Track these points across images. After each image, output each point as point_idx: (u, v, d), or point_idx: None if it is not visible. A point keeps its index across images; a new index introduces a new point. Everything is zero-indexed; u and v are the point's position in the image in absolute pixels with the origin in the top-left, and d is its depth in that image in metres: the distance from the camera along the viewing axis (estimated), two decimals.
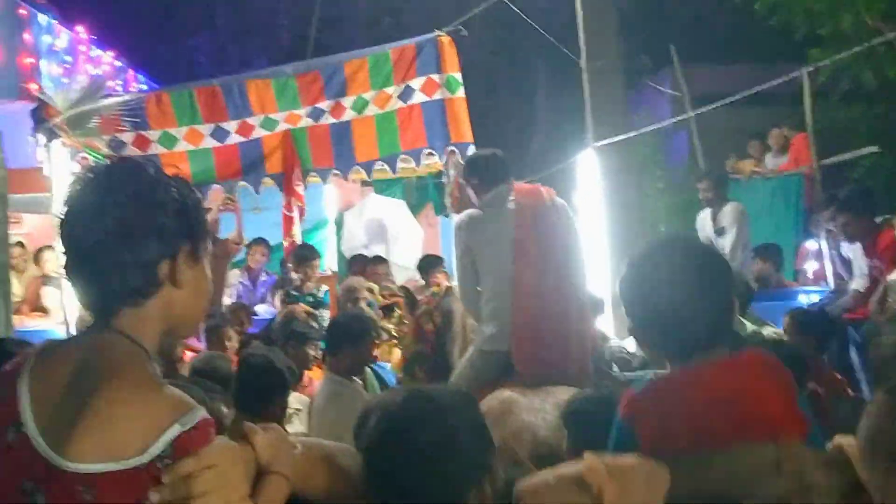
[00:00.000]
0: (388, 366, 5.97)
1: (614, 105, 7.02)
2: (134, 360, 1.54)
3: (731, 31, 14.06)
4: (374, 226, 9.41)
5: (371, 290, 6.77)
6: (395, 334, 6.18)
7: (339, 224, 10.18)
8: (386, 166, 8.13)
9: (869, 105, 10.09)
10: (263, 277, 8.86)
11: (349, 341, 5.18)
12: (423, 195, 10.92)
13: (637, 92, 20.85)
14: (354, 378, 5.30)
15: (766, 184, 9.60)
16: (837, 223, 7.11)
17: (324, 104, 8.14)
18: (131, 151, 7.97)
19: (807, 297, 8.26)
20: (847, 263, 7.98)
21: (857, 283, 7.46)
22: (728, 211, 8.17)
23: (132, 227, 1.57)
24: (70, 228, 1.60)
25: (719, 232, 8.23)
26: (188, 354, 6.34)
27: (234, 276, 8.84)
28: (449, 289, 5.53)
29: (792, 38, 9.99)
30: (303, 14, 22.18)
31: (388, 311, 6.31)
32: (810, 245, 8.81)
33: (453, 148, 7.79)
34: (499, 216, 4.53)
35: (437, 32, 7.91)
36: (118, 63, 11.22)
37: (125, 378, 1.49)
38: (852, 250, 7.59)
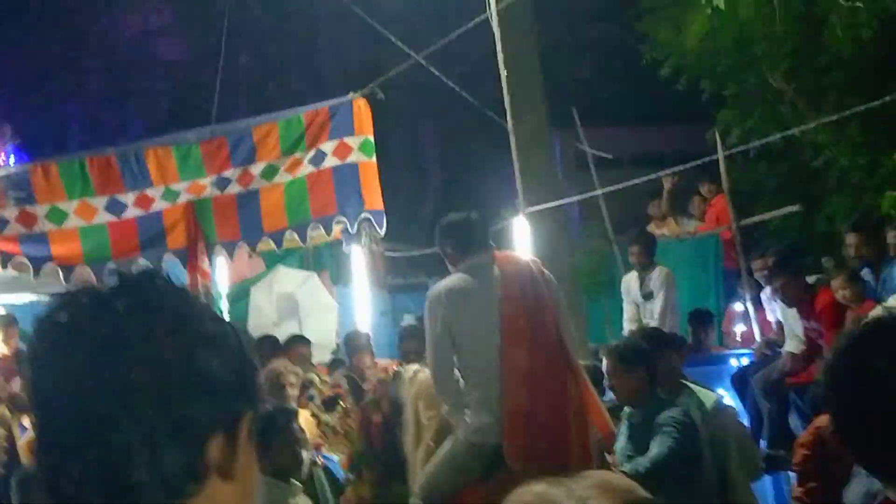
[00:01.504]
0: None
1: (544, 168, 6.72)
2: None
3: (629, 92, 14.26)
4: (284, 301, 8.80)
5: (312, 382, 6.16)
6: (339, 430, 5.57)
7: (236, 299, 9.51)
8: (296, 235, 7.60)
9: (773, 163, 10.23)
10: None
11: (262, 443, 4.57)
12: (318, 263, 10.39)
13: None
14: (293, 480, 4.69)
15: (680, 246, 9.50)
16: (774, 286, 6.98)
17: (230, 172, 7.57)
18: (15, 230, 7.20)
19: (737, 360, 8.13)
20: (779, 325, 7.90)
21: (791, 345, 7.34)
22: (656, 275, 8.00)
23: (169, 380, 0.99)
24: (53, 387, 1.00)
25: (647, 296, 8.05)
26: None
27: None
28: (396, 374, 5.00)
29: (697, 99, 10.07)
30: (182, 78, 21.50)
31: (330, 404, 5.71)
32: (737, 307, 8.70)
33: (368, 217, 7.34)
34: (482, 288, 4.05)
35: (351, 95, 7.49)
36: None
37: None
38: (783, 311, 7.50)
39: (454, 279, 4.12)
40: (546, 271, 4.27)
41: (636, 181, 9.02)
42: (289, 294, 8.93)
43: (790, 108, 9.47)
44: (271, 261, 9.68)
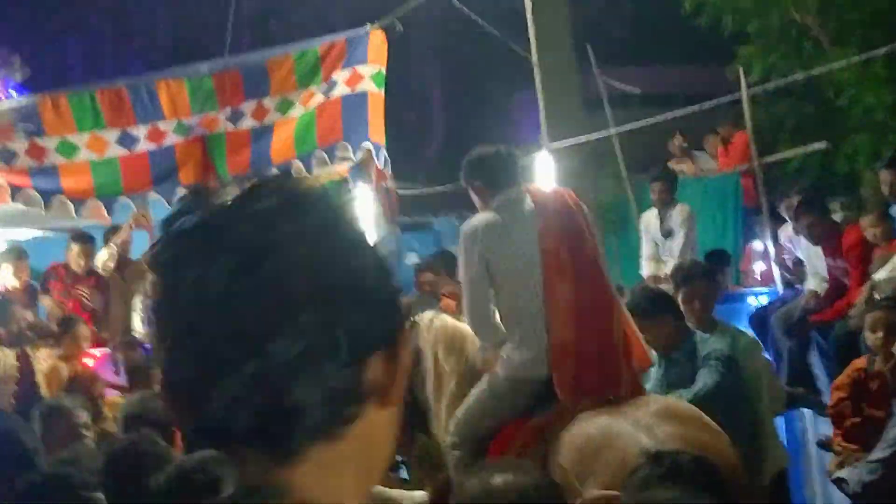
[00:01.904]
0: None
1: (569, 103, 6.52)
2: None
3: (648, 30, 13.94)
4: None
5: None
6: None
7: None
8: (301, 166, 7.41)
9: (794, 101, 10.02)
10: None
11: None
12: None
13: (535, 91, 20.80)
14: None
15: (699, 184, 9.34)
16: (801, 225, 6.85)
17: (244, 106, 7.37)
18: (24, 162, 7.01)
19: (756, 299, 8.05)
20: (800, 263, 7.80)
21: (813, 284, 7.26)
22: (677, 213, 7.88)
23: (328, 286, 0.86)
24: (196, 297, 0.86)
25: (667, 234, 7.94)
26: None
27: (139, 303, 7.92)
28: (413, 322, 4.86)
29: (717, 38, 9.81)
30: (181, 16, 21.09)
31: None
32: (756, 246, 8.58)
33: (369, 145, 7.17)
34: (519, 222, 3.91)
35: (369, 26, 7.27)
36: None
37: None
38: (806, 250, 7.39)
39: (489, 214, 3.98)
40: (580, 201, 4.14)
41: (653, 119, 8.86)
42: None
43: (813, 44, 9.24)
44: None
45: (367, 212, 8.59)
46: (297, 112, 7.34)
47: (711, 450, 3.17)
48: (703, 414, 3.52)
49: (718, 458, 3.16)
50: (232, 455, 0.89)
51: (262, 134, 7.41)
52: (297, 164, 7.32)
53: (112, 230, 8.07)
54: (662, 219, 7.93)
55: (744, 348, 4.87)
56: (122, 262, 7.98)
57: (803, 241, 7.46)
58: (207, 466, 2.27)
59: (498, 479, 2.08)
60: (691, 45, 11.57)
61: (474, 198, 4.14)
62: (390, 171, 7.32)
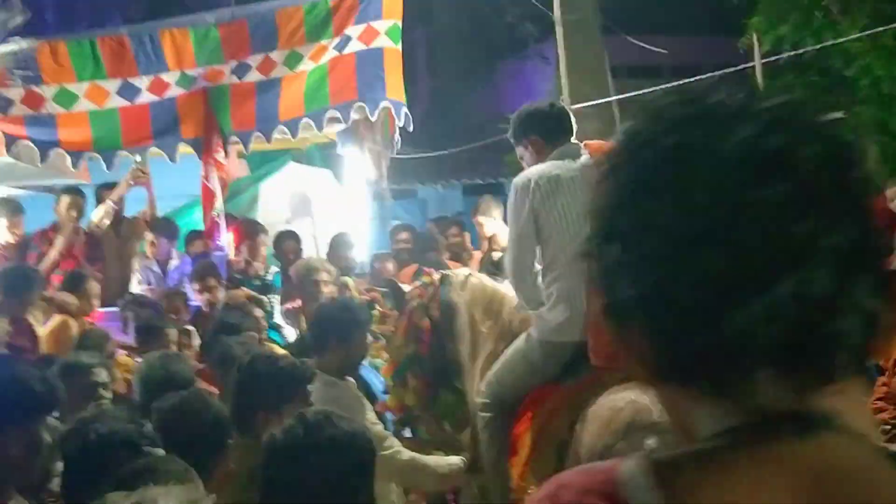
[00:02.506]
0: (378, 365, 5.08)
1: (592, 63, 6.33)
2: None
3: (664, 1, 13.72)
4: (297, 199, 8.42)
5: (347, 286, 5.85)
6: (378, 336, 5.27)
7: (230, 196, 9.07)
8: (312, 123, 7.16)
9: (802, 72, 9.92)
10: (175, 262, 7.70)
11: (337, 336, 4.31)
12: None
13: (522, 60, 20.55)
14: (347, 377, 4.45)
15: None
16: None
17: (250, 59, 7.10)
18: (20, 111, 6.73)
19: None
20: None
21: None
22: None
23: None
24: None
25: None
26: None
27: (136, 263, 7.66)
28: (445, 277, 4.68)
29: (726, 10, 9.66)
30: None
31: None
32: None
33: (387, 104, 6.92)
34: (574, 176, 3.72)
35: None
36: None
37: None
38: None
39: (544, 166, 3.79)
40: None
41: (659, 88, 8.68)
42: (301, 192, 8.54)
43: (824, 14, 9.13)
44: (254, 163, 9.24)
45: (357, 175, 8.39)
46: (306, 67, 7.08)
47: None
48: None
49: None
50: (746, 380, 0.78)
51: (269, 88, 7.15)
52: (307, 122, 7.07)
53: (105, 187, 7.77)
54: None
55: None
56: (117, 219, 7.70)
57: None
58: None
59: None
60: (702, 16, 11.41)
61: (525, 154, 3.95)
62: (400, 126, 7.00)
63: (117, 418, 2.58)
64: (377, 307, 5.65)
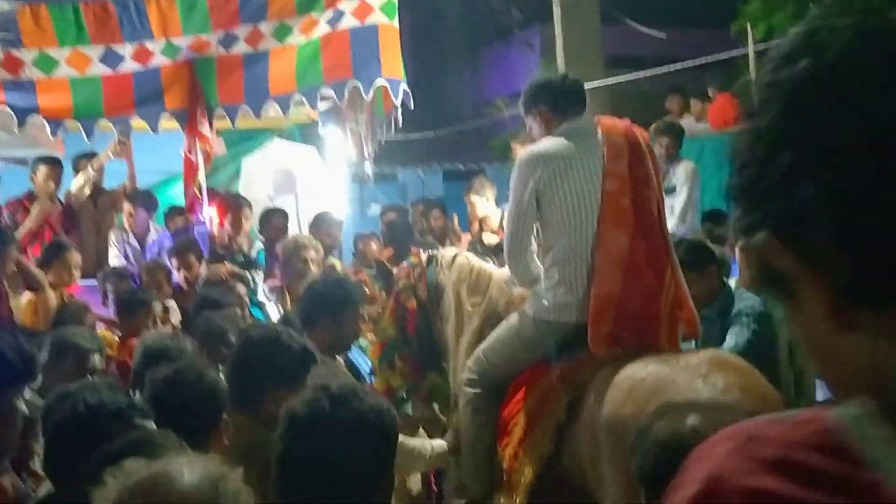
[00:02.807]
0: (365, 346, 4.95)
1: (588, 47, 6.21)
2: None
3: None
4: (280, 175, 8.24)
5: (333, 267, 5.70)
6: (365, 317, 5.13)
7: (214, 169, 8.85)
8: (304, 100, 6.99)
9: None
10: (153, 235, 7.52)
11: (330, 313, 4.19)
12: None
13: (506, 47, 20.42)
14: (337, 356, 4.34)
15: (696, 143, 9.14)
16: None
17: (237, 30, 6.91)
18: None
19: None
20: None
21: None
22: (681, 170, 7.68)
23: None
24: None
25: (669, 191, 7.70)
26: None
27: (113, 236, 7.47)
28: (432, 257, 4.56)
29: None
30: None
31: None
32: None
33: (383, 82, 6.72)
34: (584, 155, 3.59)
35: None
36: None
37: None
38: None
39: (553, 142, 3.65)
40: (650, 143, 3.85)
41: (647, 73, 8.64)
42: (286, 169, 8.37)
43: (817, 2, 9.04)
44: (231, 142, 9.05)
45: (338, 156, 8.22)
46: (295, 40, 6.90)
47: (770, 399, 2.98)
48: (748, 364, 3.31)
49: (780, 408, 2.98)
50: None
51: (256, 61, 6.96)
52: (299, 98, 6.89)
53: (84, 156, 7.58)
54: (666, 174, 7.70)
55: (772, 309, 4.67)
56: (96, 191, 7.51)
57: None
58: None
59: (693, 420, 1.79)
60: (695, 6, 11.33)
61: (534, 127, 3.82)
62: (398, 104, 6.80)
63: (106, 389, 2.44)
64: (365, 288, 5.51)
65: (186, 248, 6.20)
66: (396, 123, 7.05)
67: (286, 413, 2.14)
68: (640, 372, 3.26)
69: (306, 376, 3.20)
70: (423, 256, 4.65)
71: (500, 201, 7.49)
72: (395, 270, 4.85)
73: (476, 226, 6.87)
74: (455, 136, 18.91)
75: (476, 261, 4.47)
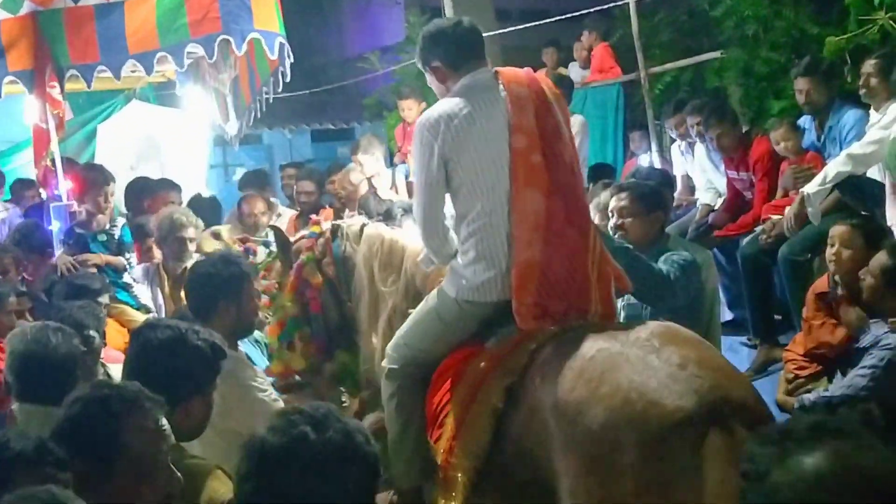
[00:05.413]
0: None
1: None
2: None
3: None
4: (143, 142, 7.52)
5: (219, 235, 5.12)
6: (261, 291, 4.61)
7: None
8: (171, 58, 6.33)
9: (670, 12, 9.77)
10: (1, 214, 6.73)
11: (224, 296, 3.72)
12: None
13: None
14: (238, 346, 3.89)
15: (580, 94, 8.95)
16: (709, 135, 6.57)
17: None
18: None
19: None
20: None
21: (706, 198, 7.09)
22: (574, 124, 7.41)
23: None
24: None
25: None
26: None
27: None
28: (337, 227, 4.12)
29: None
30: None
31: None
32: (642, 160, 8.30)
33: (257, 35, 6.14)
34: (487, 112, 3.19)
35: None
36: None
37: None
38: (701, 163, 7.18)
39: (453, 102, 3.22)
40: (558, 91, 3.49)
41: (528, 25, 8.33)
42: (148, 134, 7.66)
43: None
44: (78, 106, 8.26)
45: (200, 115, 7.57)
46: None
47: (725, 369, 2.74)
48: (699, 336, 3.06)
49: (739, 381, 2.76)
50: None
51: (109, 13, 6.24)
52: (164, 56, 6.22)
53: None
54: None
55: (703, 262, 4.48)
56: None
57: (697, 153, 7.27)
58: None
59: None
60: None
61: (432, 83, 3.42)
62: (274, 58, 6.22)
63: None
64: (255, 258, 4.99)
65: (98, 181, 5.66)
66: (284, 79, 6.47)
67: (251, 447, 1.69)
68: (589, 350, 2.93)
69: (216, 378, 2.73)
70: (326, 225, 4.21)
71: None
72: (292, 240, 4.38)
73: (366, 184, 6.44)
74: (323, 95, 18.18)
75: (387, 231, 4.07)
